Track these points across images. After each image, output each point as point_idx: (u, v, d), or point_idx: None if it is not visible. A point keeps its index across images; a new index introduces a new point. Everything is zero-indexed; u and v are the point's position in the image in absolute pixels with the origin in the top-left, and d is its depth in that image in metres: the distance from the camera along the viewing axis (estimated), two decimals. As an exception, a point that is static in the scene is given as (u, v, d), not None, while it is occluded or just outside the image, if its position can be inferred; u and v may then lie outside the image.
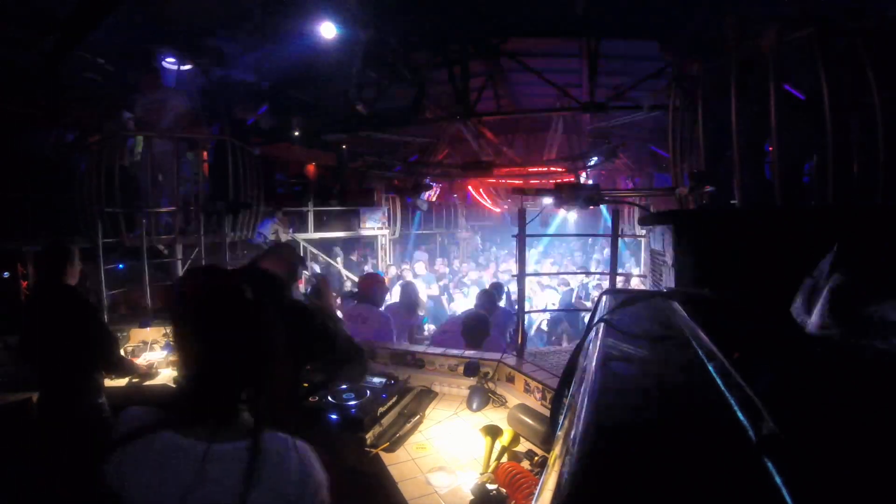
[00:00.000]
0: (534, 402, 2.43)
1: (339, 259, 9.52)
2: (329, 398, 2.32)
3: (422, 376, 2.82)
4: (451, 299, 8.02)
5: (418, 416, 2.37)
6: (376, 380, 2.55)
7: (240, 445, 0.91)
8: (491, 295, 4.78)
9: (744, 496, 0.42)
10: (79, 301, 2.68)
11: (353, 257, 10.34)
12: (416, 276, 8.53)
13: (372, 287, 4.08)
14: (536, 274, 8.16)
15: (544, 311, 6.90)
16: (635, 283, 5.85)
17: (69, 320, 2.56)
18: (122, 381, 3.00)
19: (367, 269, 9.45)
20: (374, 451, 2.07)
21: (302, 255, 2.19)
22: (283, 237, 6.70)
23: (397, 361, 2.98)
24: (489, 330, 3.51)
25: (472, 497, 1.72)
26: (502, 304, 5.44)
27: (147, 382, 3.09)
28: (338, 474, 2.18)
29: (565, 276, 8.19)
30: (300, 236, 9.48)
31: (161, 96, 5.09)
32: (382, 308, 4.22)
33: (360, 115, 5.85)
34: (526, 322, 3.23)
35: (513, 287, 7.56)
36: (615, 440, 0.55)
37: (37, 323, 2.58)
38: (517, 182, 10.51)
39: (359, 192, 10.73)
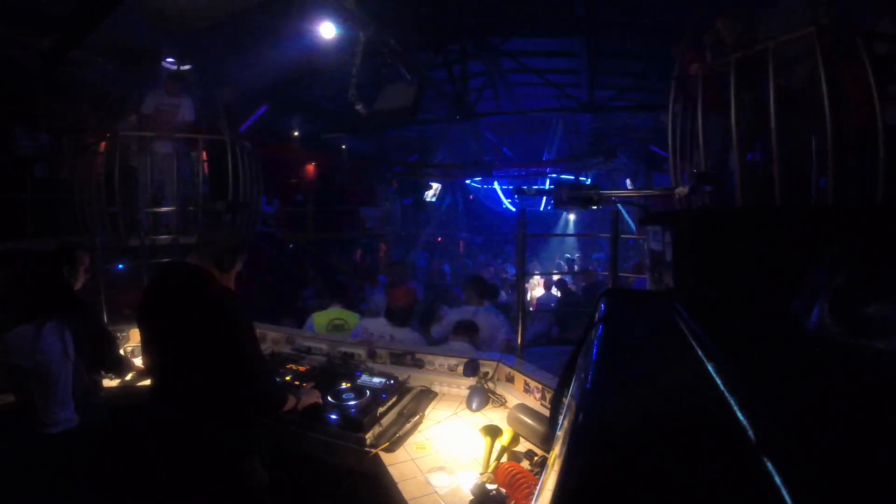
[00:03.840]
0: (534, 402, 2.43)
1: None
2: (329, 398, 2.32)
3: (421, 376, 2.82)
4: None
5: (418, 416, 2.37)
6: (376, 380, 2.55)
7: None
8: (480, 283, 4.44)
9: (744, 496, 0.42)
10: (77, 303, 2.68)
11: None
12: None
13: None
14: (537, 274, 8.16)
15: (545, 309, 6.90)
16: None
17: (68, 323, 2.55)
18: (114, 382, 2.99)
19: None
20: (373, 451, 2.07)
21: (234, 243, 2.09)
22: None
23: (397, 361, 2.98)
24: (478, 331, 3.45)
25: (471, 497, 1.72)
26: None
27: (141, 382, 3.06)
28: (338, 474, 2.19)
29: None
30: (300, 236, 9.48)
31: (177, 101, 5.10)
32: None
33: (359, 114, 5.85)
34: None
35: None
36: (615, 440, 0.55)
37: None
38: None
39: (358, 192, 10.73)
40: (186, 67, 5.55)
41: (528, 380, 2.52)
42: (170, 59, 5.48)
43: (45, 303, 2.59)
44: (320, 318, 4.04)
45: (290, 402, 2.09)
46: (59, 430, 2.34)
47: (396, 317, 3.47)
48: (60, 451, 2.34)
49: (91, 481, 2.42)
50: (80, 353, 2.49)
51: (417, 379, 2.77)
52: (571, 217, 13.70)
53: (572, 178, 10.34)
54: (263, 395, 2.00)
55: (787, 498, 0.37)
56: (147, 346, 2.03)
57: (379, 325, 3.50)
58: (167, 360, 1.94)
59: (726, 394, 0.57)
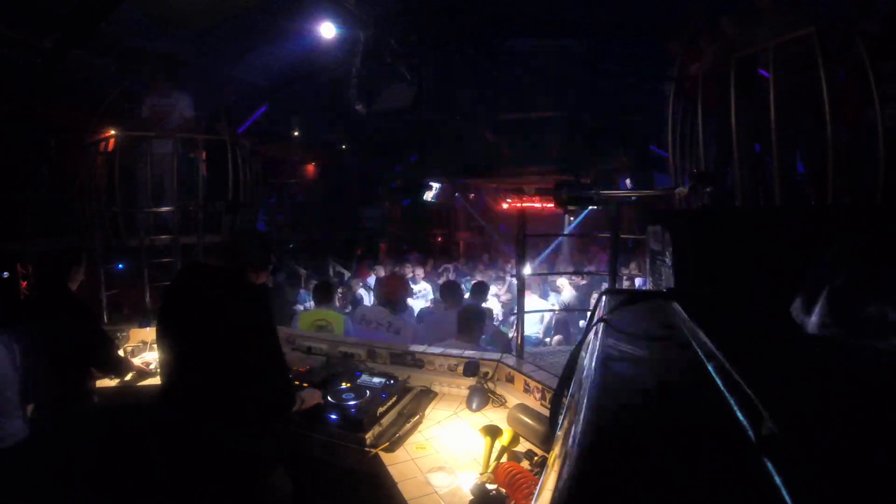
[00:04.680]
0: (533, 402, 2.43)
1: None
2: (329, 398, 2.32)
3: (421, 376, 2.82)
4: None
5: (418, 416, 2.37)
6: (376, 380, 2.55)
7: None
8: (453, 287, 4.73)
9: (744, 496, 0.42)
10: (77, 306, 2.67)
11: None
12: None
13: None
14: (537, 274, 8.13)
15: (543, 311, 6.88)
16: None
17: (66, 325, 2.55)
18: (113, 382, 2.98)
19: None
20: (373, 451, 2.07)
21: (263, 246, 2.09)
22: None
23: (397, 361, 2.98)
24: (484, 324, 3.50)
25: (471, 497, 1.72)
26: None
27: (141, 382, 3.06)
28: (338, 474, 2.19)
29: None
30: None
31: (171, 100, 5.10)
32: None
33: (359, 114, 5.85)
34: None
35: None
36: (615, 440, 0.55)
37: (34, 326, 2.56)
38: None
39: (358, 192, 10.73)
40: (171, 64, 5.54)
41: (528, 380, 2.52)
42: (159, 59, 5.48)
43: (44, 305, 2.57)
44: (305, 318, 4.14)
45: (297, 403, 2.10)
46: (5, 446, 2.25)
47: (393, 304, 3.78)
48: (6, 467, 2.26)
49: (51, 492, 2.36)
50: (42, 363, 2.43)
51: (417, 379, 2.77)
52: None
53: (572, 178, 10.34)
54: (287, 395, 1.99)
55: (787, 498, 0.37)
56: (172, 348, 1.90)
57: (377, 313, 3.73)
58: (198, 361, 1.83)
59: (726, 394, 0.57)
